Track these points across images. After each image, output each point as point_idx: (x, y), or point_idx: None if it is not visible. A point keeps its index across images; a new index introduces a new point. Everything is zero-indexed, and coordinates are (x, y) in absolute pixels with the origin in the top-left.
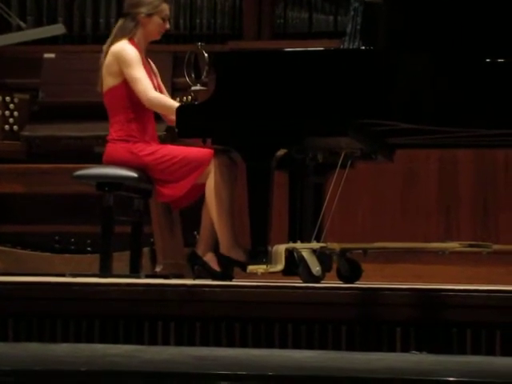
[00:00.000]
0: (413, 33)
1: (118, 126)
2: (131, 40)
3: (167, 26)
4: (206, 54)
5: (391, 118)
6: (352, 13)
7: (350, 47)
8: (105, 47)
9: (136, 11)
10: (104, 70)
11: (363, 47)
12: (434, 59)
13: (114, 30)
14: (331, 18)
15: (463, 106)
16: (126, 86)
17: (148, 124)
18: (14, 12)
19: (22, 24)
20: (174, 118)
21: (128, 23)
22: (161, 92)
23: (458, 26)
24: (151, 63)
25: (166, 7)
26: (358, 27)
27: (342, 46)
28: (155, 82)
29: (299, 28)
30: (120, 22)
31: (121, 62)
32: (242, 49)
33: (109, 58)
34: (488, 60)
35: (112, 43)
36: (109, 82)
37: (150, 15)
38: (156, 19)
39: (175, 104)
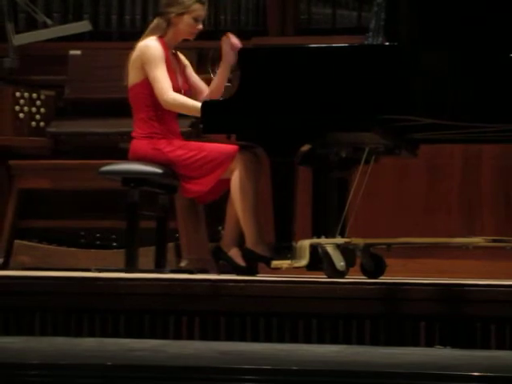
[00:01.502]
0: (435, 28)
1: (141, 123)
2: (161, 38)
3: (199, 26)
4: None
5: (415, 113)
6: (375, 8)
7: (374, 43)
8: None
9: (168, 10)
10: (130, 65)
11: (387, 43)
12: (457, 54)
13: (148, 29)
14: (355, 13)
15: (486, 101)
16: (148, 84)
17: (171, 121)
18: (40, 9)
19: (48, 21)
20: (196, 116)
21: (161, 22)
22: (190, 85)
23: (482, 20)
24: (181, 58)
25: (198, 7)
26: (382, 23)
27: (365, 42)
28: (180, 78)
29: (323, 24)
30: (155, 20)
31: (143, 58)
32: (266, 45)
33: (135, 53)
34: (511, 55)
35: (142, 39)
36: (132, 77)
37: (181, 14)
38: (187, 19)
39: (192, 103)
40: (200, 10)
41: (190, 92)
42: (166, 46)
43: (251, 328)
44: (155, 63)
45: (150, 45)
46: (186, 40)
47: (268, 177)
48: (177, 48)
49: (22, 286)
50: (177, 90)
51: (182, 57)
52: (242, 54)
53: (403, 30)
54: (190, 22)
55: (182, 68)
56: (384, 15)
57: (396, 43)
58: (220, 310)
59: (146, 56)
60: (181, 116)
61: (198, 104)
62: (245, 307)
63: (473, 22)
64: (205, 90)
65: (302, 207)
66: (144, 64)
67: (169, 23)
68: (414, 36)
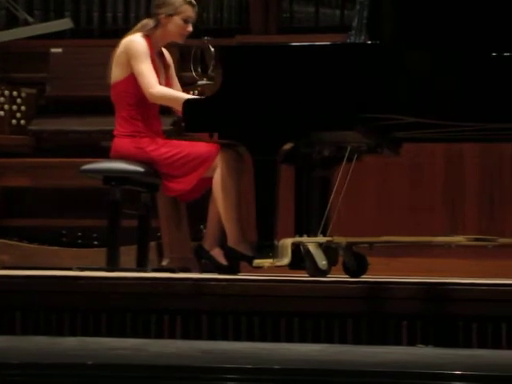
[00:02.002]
0: (418, 27)
1: (123, 121)
2: (147, 36)
3: (189, 28)
4: (212, 49)
5: (397, 111)
6: (358, 7)
7: (356, 41)
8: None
9: (158, 11)
10: (113, 62)
11: (369, 41)
12: (439, 53)
13: (135, 27)
14: (337, 12)
15: (469, 99)
16: (131, 82)
17: (153, 120)
18: (21, 6)
19: (30, 18)
20: (179, 108)
21: (149, 22)
22: (171, 85)
23: (464, 19)
24: (166, 55)
25: (188, 9)
26: (365, 21)
27: (348, 41)
28: (162, 78)
29: (306, 22)
30: (144, 21)
31: (129, 53)
32: (248, 43)
33: (119, 50)
34: (494, 54)
35: (127, 36)
36: (116, 74)
37: (170, 16)
38: (176, 20)
39: (179, 95)
40: (190, 12)
41: None
42: (151, 45)
43: (233, 327)
44: (140, 58)
45: (135, 40)
46: (174, 42)
47: (250, 175)
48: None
49: (1, 285)
50: None
51: (167, 56)
52: (224, 52)
53: (386, 28)
54: (179, 23)
55: (167, 67)
56: (367, 13)
57: (378, 41)
58: (202, 308)
59: (132, 51)
60: (163, 114)
61: (184, 95)
62: (227, 306)
63: (456, 21)
64: None
65: (285, 206)
66: (129, 59)
67: (158, 24)
68: (396, 34)
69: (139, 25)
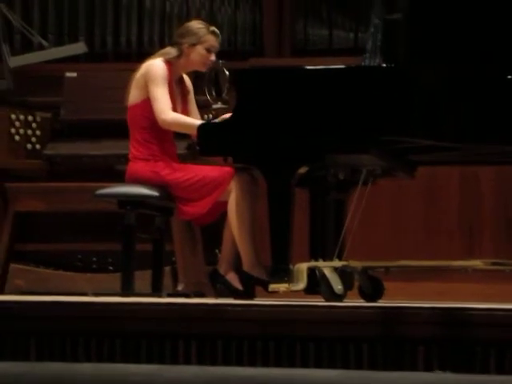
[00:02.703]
0: (433, 49)
1: (138, 144)
2: (168, 63)
3: (212, 57)
4: (226, 72)
5: (412, 134)
6: (372, 29)
7: (371, 64)
8: None
9: (181, 41)
10: (133, 84)
11: (384, 64)
12: (454, 75)
13: (158, 52)
14: (351, 34)
15: (484, 122)
16: (148, 105)
17: (168, 143)
18: (36, 31)
19: (44, 43)
20: (193, 134)
21: (172, 51)
22: (188, 111)
23: (479, 41)
24: (186, 81)
25: (211, 38)
26: (379, 44)
27: (362, 63)
28: (179, 105)
29: (320, 45)
30: (167, 48)
31: (147, 76)
32: (262, 66)
33: (139, 72)
34: (510, 76)
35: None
36: (133, 96)
37: (193, 45)
38: (199, 49)
39: (191, 121)
40: (213, 41)
41: None
42: (171, 71)
43: (248, 352)
44: (157, 81)
45: (155, 63)
46: (198, 71)
47: (265, 198)
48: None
49: (17, 311)
50: None
51: (187, 82)
52: (238, 74)
53: (400, 50)
54: (202, 52)
55: (185, 93)
56: (381, 36)
57: (393, 64)
58: (217, 334)
59: (150, 74)
60: (177, 138)
61: (196, 121)
62: (242, 331)
63: (470, 43)
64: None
65: (300, 229)
66: (147, 82)
67: (181, 53)
68: (411, 57)
69: (162, 51)
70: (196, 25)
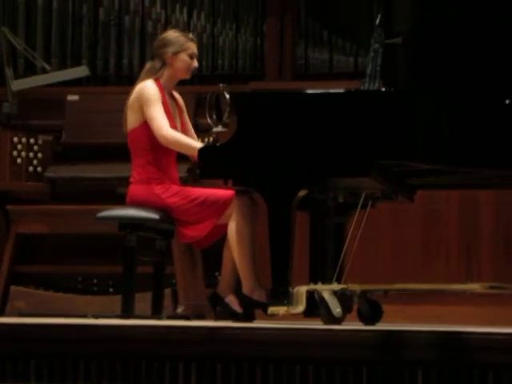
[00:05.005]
0: (432, 74)
1: (139, 168)
2: (157, 80)
3: (195, 63)
4: (227, 95)
5: (412, 158)
6: (372, 54)
7: (370, 88)
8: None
9: (163, 51)
10: (128, 109)
11: (383, 88)
12: (453, 100)
13: (142, 72)
14: (351, 59)
15: (483, 146)
16: (146, 129)
17: (169, 166)
18: (39, 54)
19: (47, 66)
20: (192, 155)
21: (155, 64)
22: (185, 130)
23: (478, 66)
24: (179, 100)
25: (192, 45)
26: (378, 68)
27: (362, 87)
28: (178, 121)
29: (320, 69)
30: (148, 64)
31: (140, 99)
32: (262, 89)
33: (132, 97)
34: (508, 101)
35: (138, 83)
36: (131, 121)
37: (176, 53)
38: (183, 56)
39: (191, 142)
40: (194, 48)
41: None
42: (162, 89)
43: (248, 375)
44: (152, 102)
45: (147, 85)
46: (179, 82)
47: (265, 221)
48: (175, 89)
49: (17, 333)
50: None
51: (180, 100)
52: (238, 98)
53: (400, 75)
54: (186, 59)
55: (180, 110)
56: (380, 61)
57: (393, 88)
58: (217, 356)
59: (143, 97)
60: (178, 161)
61: (196, 143)
62: (241, 354)
63: (469, 67)
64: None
65: (299, 252)
66: (141, 104)
67: (164, 64)
68: (410, 81)
69: (146, 69)
70: (173, 34)
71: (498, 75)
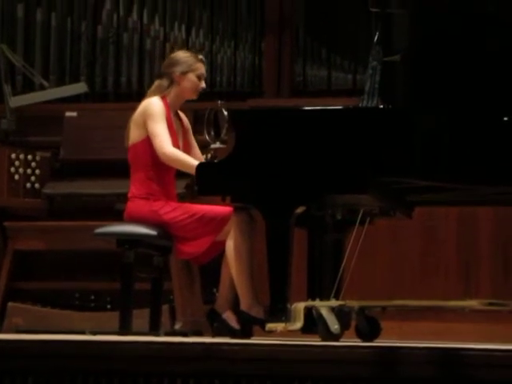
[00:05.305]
0: (430, 91)
1: (138, 183)
2: (164, 98)
3: (203, 84)
4: (225, 112)
5: (410, 175)
6: (370, 71)
7: (369, 105)
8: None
9: (171, 70)
10: (131, 124)
11: (381, 105)
12: (452, 117)
13: (150, 89)
14: (350, 76)
15: (482, 163)
16: (149, 144)
17: (168, 183)
18: (37, 71)
19: (45, 83)
20: (193, 173)
21: (163, 82)
22: (189, 150)
23: (476, 83)
24: (184, 120)
25: (201, 66)
26: (376, 85)
27: (360, 104)
28: (181, 140)
29: (318, 86)
30: (156, 82)
31: (145, 114)
32: (260, 106)
33: (137, 112)
34: (506, 118)
35: (145, 99)
36: (134, 135)
37: (184, 73)
38: (191, 76)
39: (191, 161)
40: (202, 69)
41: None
42: (168, 107)
43: None
44: (156, 118)
45: (152, 102)
46: (189, 100)
47: (263, 238)
48: (181, 109)
49: (15, 349)
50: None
51: (185, 120)
52: (236, 115)
53: (398, 92)
54: (194, 79)
55: (185, 130)
56: (379, 78)
57: (391, 105)
58: (214, 372)
59: (148, 112)
60: (176, 177)
61: (196, 162)
62: (239, 370)
63: (468, 85)
64: (199, 160)
65: (297, 268)
66: (146, 120)
67: (172, 83)
68: (408, 98)
69: (153, 87)
70: (183, 54)
71: (497, 92)
